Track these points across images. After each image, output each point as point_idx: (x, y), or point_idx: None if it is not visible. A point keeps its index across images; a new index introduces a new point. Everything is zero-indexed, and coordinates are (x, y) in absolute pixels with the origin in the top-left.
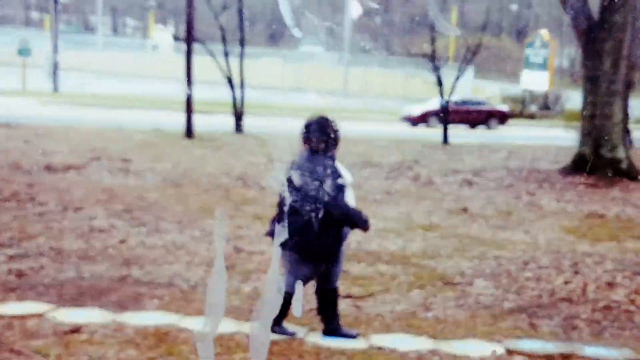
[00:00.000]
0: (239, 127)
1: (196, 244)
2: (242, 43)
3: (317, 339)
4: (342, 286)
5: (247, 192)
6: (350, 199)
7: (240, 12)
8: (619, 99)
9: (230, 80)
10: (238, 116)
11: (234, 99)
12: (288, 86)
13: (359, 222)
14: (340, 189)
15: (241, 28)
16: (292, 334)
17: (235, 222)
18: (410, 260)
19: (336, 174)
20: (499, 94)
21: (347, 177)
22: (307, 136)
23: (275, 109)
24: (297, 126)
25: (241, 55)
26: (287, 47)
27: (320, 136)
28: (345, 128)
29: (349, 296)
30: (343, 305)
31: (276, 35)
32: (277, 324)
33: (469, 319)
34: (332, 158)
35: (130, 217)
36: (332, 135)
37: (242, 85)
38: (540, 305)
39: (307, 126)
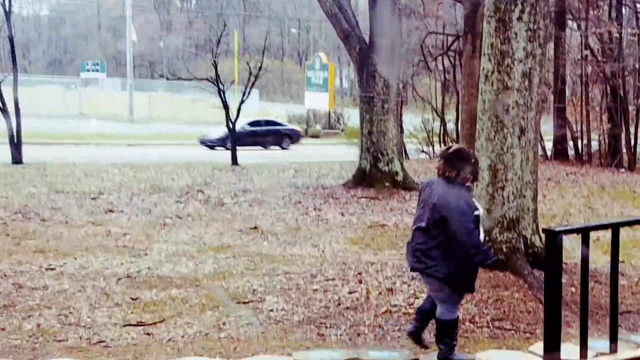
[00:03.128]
0: (16, 158)
1: None
2: (15, 70)
3: None
4: (132, 314)
5: (27, 225)
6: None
7: (11, 39)
8: (392, 116)
9: (3, 110)
10: (15, 146)
11: (10, 128)
12: (70, 113)
13: (485, 258)
14: (477, 220)
15: (13, 55)
16: None
17: (15, 258)
18: (202, 282)
19: (472, 206)
20: (285, 115)
21: (480, 210)
22: (443, 165)
23: (56, 137)
24: (79, 153)
25: (15, 83)
26: (67, 74)
27: (456, 166)
28: (132, 154)
29: (140, 324)
30: (133, 334)
31: (56, 63)
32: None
33: (261, 335)
34: (468, 189)
35: None
36: (469, 166)
37: (17, 114)
38: (328, 316)
39: (444, 155)
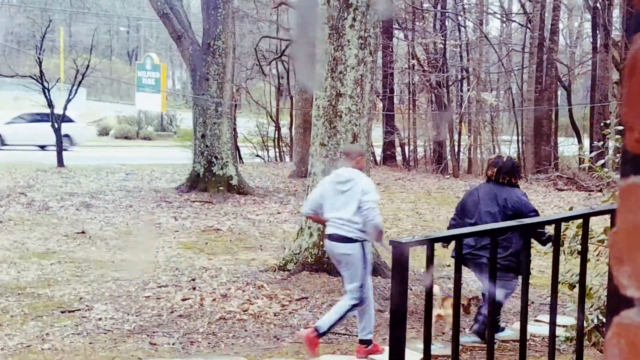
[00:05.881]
0: None
1: None
2: None
3: None
4: None
5: None
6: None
7: None
8: (226, 119)
9: None
10: None
11: None
12: None
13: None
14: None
15: None
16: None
17: None
18: (25, 290)
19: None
20: (114, 115)
21: None
22: (497, 172)
23: None
24: None
25: None
26: None
27: (508, 171)
28: None
29: None
30: None
31: None
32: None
33: (88, 345)
34: (518, 187)
35: None
36: (516, 171)
37: None
38: (160, 324)
39: (496, 164)
